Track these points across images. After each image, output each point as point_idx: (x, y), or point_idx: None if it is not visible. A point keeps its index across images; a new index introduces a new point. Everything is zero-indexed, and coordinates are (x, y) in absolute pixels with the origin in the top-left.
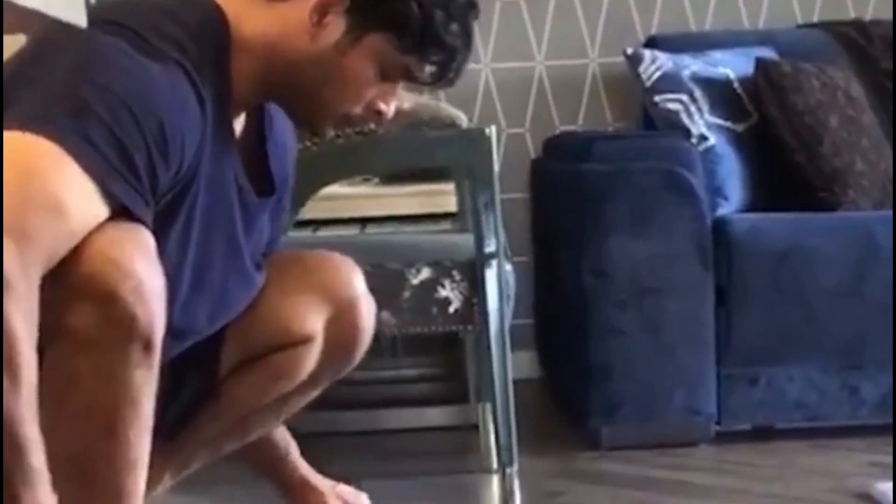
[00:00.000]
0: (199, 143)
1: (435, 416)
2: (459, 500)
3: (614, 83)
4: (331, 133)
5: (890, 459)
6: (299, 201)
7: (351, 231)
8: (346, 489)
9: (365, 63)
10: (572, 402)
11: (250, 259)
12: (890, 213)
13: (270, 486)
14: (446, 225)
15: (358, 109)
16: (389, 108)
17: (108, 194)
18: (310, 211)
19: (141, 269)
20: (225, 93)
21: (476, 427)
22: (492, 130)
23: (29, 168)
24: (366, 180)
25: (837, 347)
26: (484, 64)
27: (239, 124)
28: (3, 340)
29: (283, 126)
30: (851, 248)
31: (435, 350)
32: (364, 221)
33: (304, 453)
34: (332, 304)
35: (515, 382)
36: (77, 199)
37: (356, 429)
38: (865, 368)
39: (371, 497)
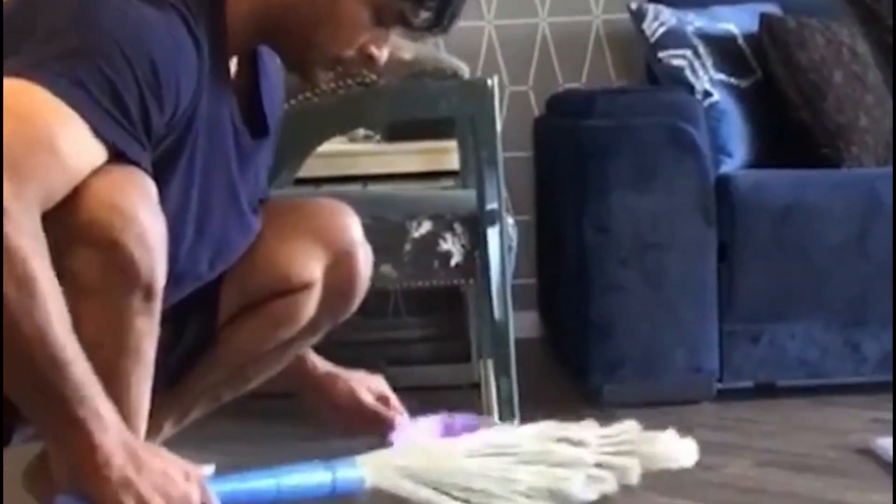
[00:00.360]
0: (196, 86)
1: (437, 375)
2: None
3: (618, 40)
4: (322, 77)
5: (891, 415)
6: (301, 154)
7: (352, 189)
8: (364, 374)
9: (359, 6)
10: (574, 359)
11: (247, 202)
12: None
13: (293, 389)
14: (448, 182)
15: (350, 53)
16: (381, 54)
17: (100, 137)
18: (311, 168)
19: (143, 216)
20: (220, 35)
21: (477, 386)
22: (494, 81)
23: (22, 113)
24: (367, 138)
25: (840, 304)
26: (487, 21)
27: (232, 66)
28: (11, 263)
29: (274, 69)
30: (855, 205)
31: (437, 310)
32: (366, 179)
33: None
34: (330, 250)
35: (517, 342)
36: (71, 141)
37: None
38: (868, 325)
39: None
